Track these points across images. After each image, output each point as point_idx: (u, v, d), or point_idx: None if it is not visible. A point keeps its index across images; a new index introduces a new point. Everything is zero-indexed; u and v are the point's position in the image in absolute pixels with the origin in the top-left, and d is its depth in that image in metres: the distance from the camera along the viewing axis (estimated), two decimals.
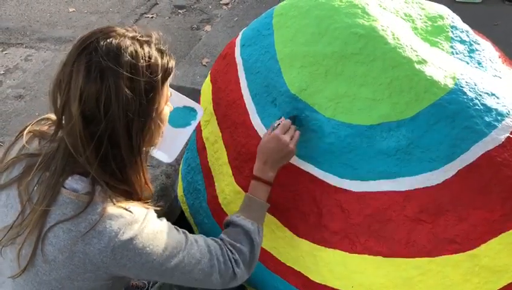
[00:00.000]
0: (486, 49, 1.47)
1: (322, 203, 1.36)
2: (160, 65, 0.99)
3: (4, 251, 1.05)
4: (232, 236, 1.21)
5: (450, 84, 1.22)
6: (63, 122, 0.97)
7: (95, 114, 0.93)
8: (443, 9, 1.49)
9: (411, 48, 1.26)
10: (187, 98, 1.41)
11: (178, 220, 2.35)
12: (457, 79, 1.23)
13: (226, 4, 4.31)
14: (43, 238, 0.98)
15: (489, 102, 1.22)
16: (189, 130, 1.39)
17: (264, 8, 3.82)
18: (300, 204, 1.40)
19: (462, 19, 1.56)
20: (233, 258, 1.17)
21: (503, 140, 1.18)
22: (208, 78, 1.76)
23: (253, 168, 1.29)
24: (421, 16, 1.46)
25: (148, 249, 1.01)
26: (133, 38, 0.97)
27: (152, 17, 4.15)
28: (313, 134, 1.35)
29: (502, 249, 1.19)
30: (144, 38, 0.98)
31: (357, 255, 1.31)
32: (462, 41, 1.45)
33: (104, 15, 4.19)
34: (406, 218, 1.26)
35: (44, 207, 0.97)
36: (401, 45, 1.26)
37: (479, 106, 1.20)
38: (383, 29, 1.28)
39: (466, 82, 1.23)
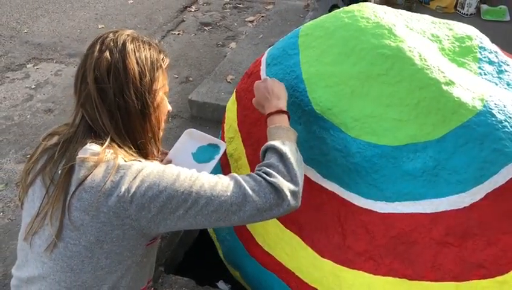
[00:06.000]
0: None
1: (347, 223, 1.35)
2: (158, 53, 1.19)
3: (33, 239, 1.11)
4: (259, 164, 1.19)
5: (479, 106, 1.21)
6: (81, 96, 1.12)
7: (106, 83, 1.10)
8: (471, 30, 1.48)
9: (438, 69, 1.26)
10: (211, 136, 1.52)
11: (200, 235, 2.36)
12: (486, 101, 1.22)
13: (251, 21, 4.37)
14: (68, 207, 1.06)
15: None
16: (212, 163, 1.45)
17: (289, 26, 3.88)
18: (324, 224, 1.39)
19: (489, 37, 1.55)
20: (262, 172, 1.12)
21: None
22: (233, 96, 1.78)
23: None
24: (448, 36, 1.45)
25: (157, 177, 1.07)
26: (137, 35, 1.19)
27: (178, 34, 4.23)
28: (338, 153, 1.35)
29: None
30: (146, 38, 1.21)
31: (381, 277, 1.29)
32: (491, 62, 1.43)
33: None
34: (432, 241, 1.24)
35: (63, 176, 1.07)
36: (428, 66, 1.26)
37: (508, 129, 1.18)
38: (410, 50, 1.28)
39: (495, 104, 1.21)
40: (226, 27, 4.30)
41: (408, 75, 1.26)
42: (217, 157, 1.49)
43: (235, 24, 4.36)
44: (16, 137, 2.98)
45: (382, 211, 1.29)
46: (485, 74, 1.40)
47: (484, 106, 1.21)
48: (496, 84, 1.39)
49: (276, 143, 1.18)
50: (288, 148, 1.17)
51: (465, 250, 1.21)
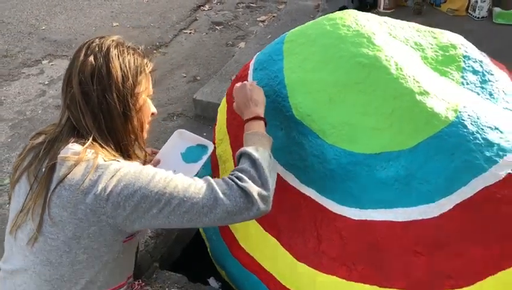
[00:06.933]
0: (501, 80, 1.44)
1: (322, 228, 1.37)
2: (142, 58, 1.24)
3: (17, 233, 1.17)
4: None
5: (451, 116, 1.21)
6: (67, 98, 1.17)
7: (90, 86, 1.15)
8: (456, 39, 1.48)
9: (414, 79, 1.26)
10: (200, 137, 1.56)
11: (198, 232, 2.41)
12: (459, 112, 1.22)
13: (263, 21, 4.39)
14: (48, 203, 1.11)
15: (492, 136, 1.19)
16: (199, 164, 1.50)
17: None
18: (301, 228, 1.41)
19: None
20: (234, 177, 1.16)
21: (503, 176, 1.15)
22: (224, 98, 1.82)
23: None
24: (432, 45, 1.45)
25: (133, 177, 1.11)
26: (122, 41, 1.24)
27: (190, 33, 4.27)
28: (316, 159, 1.37)
29: (500, 288, 1.16)
30: (131, 44, 1.25)
31: (353, 283, 1.31)
32: (475, 72, 1.43)
33: (145, 30, 4.36)
34: (402, 249, 1.25)
35: (45, 174, 1.12)
36: (403, 75, 1.27)
37: (479, 140, 1.18)
38: (386, 60, 1.29)
39: (468, 115, 1.21)
40: (237, 26, 4.33)
41: (383, 84, 1.27)
42: (205, 157, 1.53)
43: (247, 24, 4.38)
44: (27, 132, 3.08)
45: (356, 218, 1.30)
46: (467, 84, 1.40)
47: (457, 117, 1.21)
48: (478, 94, 1.38)
49: (250, 149, 1.21)
50: (261, 154, 1.20)
51: (434, 260, 1.21)
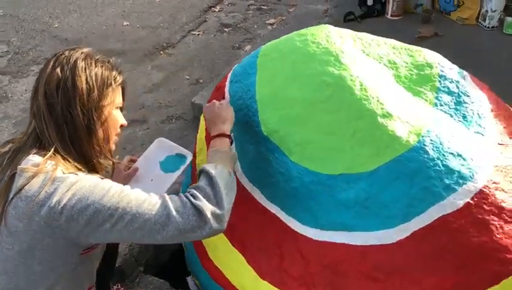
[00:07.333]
0: (477, 102, 1.39)
1: (285, 246, 1.36)
2: (110, 71, 1.24)
3: None
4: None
5: (413, 141, 1.18)
6: (33, 108, 1.19)
7: (55, 98, 1.16)
8: (433, 58, 1.44)
9: (377, 100, 1.24)
10: (179, 146, 1.56)
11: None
12: (422, 136, 1.19)
13: (272, 24, 4.36)
14: (5, 214, 1.12)
15: (453, 163, 1.16)
16: (176, 174, 1.50)
17: None
18: (265, 245, 1.40)
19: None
20: (189, 194, 1.15)
21: (461, 205, 1.12)
22: None
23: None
24: (407, 63, 1.41)
25: (88, 191, 1.11)
26: (92, 53, 1.25)
27: (198, 34, 4.28)
28: (281, 177, 1.35)
29: None
30: (101, 56, 1.26)
31: None
32: (450, 93, 1.39)
33: (154, 30, 4.38)
34: (360, 273, 1.22)
35: (5, 184, 1.13)
36: (367, 96, 1.24)
37: (439, 167, 1.14)
38: (351, 79, 1.27)
39: (431, 140, 1.18)
40: (246, 29, 4.32)
41: (346, 105, 1.25)
42: (182, 167, 1.53)
43: (255, 26, 4.36)
44: None
45: (316, 238, 1.29)
46: (441, 105, 1.36)
47: (419, 142, 1.18)
48: (451, 116, 1.35)
49: (208, 166, 1.21)
50: (219, 172, 1.19)
51: (391, 286, 1.19)
